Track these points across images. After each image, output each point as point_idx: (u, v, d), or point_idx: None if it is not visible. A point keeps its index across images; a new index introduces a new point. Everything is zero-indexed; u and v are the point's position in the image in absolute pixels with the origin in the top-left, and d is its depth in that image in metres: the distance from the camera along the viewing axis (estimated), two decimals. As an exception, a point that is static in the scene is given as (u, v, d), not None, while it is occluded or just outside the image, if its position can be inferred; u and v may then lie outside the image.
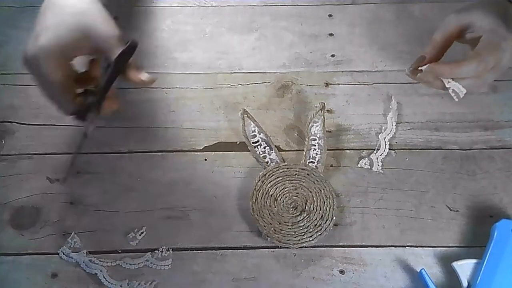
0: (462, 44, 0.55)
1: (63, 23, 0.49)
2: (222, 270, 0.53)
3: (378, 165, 0.59)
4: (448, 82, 0.52)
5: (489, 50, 0.51)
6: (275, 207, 0.55)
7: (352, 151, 0.60)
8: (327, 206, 0.55)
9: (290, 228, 0.54)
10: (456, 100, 0.53)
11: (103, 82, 0.51)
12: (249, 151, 0.59)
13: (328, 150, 0.59)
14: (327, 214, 0.55)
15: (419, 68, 0.53)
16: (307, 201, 0.55)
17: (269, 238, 0.54)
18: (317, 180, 0.56)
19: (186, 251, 0.54)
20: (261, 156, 0.59)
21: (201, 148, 0.60)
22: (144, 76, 0.52)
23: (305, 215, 0.55)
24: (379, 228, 0.55)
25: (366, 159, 0.59)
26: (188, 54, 0.67)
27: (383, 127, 0.61)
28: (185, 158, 0.59)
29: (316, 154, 0.59)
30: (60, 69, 0.49)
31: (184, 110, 0.62)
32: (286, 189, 0.56)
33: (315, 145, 0.59)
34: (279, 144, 0.60)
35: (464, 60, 0.51)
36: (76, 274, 0.52)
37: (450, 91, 0.53)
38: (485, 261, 0.51)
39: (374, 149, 0.60)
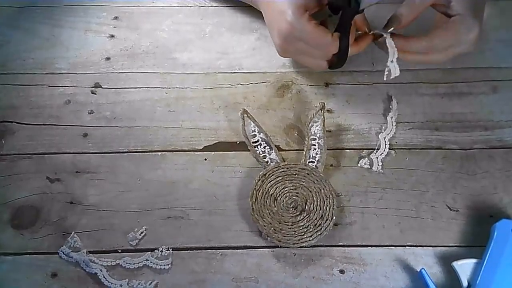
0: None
1: None
2: (222, 269, 0.53)
3: (378, 165, 0.59)
4: (390, 61, 0.56)
5: (446, 36, 0.55)
6: (275, 206, 0.55)
7: (352, 151, 0.60)
8: (327, 205, 0.55)
9: (290, 228, 0.54)
10: (385, 79, 0.57)
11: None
12: (249, 151, 0.59)
13: (328, 150, 0.59)
14: (327, 213, 0.55)
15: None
16: (307, 200, 0.55)
17: (269, 238, 0.54)
18: (317, 180, 0.56)
19: (186, 251, 0.54)
20: (261, 156, 0.59)
21: (201, 148, 0.60)
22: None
23: (305, 215, 0.55)
24: (379, 227, 0.55)
25: (366, 159, 0.59)
26: (188, 54, 0.67)
27: (383, 127, 0.61)
28: (185, 158, 0.59)
29: (316, 154, 0.59)
30: (310, 20, 0.55)
31: (184, 110, 0.62)
32: (286, 189, 0.56)
33: (315, 145, 0.59)
34: (279, 144, 0.60)
35: (415, 37, 0.56)
36: (76, 274, 0.52)
37: (386, 69, 0.56)
38: (485, 261, 0.51)
39: (374, 149, 0.60)
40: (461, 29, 0.55)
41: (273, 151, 0.59)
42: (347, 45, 0.56)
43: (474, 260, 0.51)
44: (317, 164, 0.58)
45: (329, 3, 0.58)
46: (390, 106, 0.62)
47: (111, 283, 0.51)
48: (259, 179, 0.56)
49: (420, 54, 0.57)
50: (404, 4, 0.56)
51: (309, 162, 0.58)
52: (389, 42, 0.56)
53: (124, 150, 0.60)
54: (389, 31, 0.56)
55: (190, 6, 0.71)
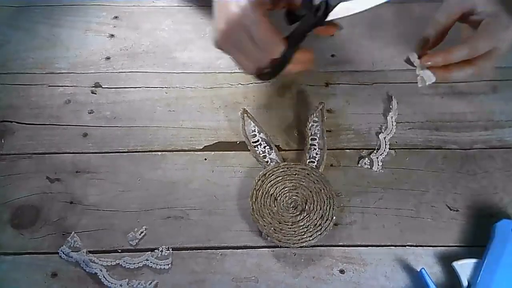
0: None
1: None
2: (222, 269, 0.53)
3: (378, 165, 0.59)
4: (420, 70, 0.53)
5: (484, 37, 0.52)
6: (275, 206, 0.55)
7: (352, 151, 0.60)
8: (327, 205, 0.55)
9: (290, 228, 0.54)
10: (420, 85, 0.54)
11: (298, 30, 0.50)
12: (249, 150, 0.59)
13: (328, 150, 0.59)
14: (327, 213, 0.55)
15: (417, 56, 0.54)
16: (307, 200, 0.55)
17: (269, 238, 0.54)
18: (317, 180, 0.56)
19: (186, 251, 0.54)
20: (261, 155, 0.59)
21: (201, 147, 0.60)
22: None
23: (305, 215, 0.55)
24: (379, 227, 0.55)
25: (366, 158, 0.59)
26: (188, 54, 0.67)
27: (383, 127, 0.61)
28: (185, 157, 0.59)
29: (316, 153, 0.59)
30: (265, 16, 0.49)
31: (184, 109, 0.62)
32: (286, 189, 0.56)
33: (315, 145, 0.59)
34: (279, 143, 0.60)
35: (455, 45, 0.52)
36: (76, 274, 0.52)
37: (418, 78, 0.54)
38: (485, 260, 0.51)
39: (374, 149, 0.60)
40: (497, 27, 0.52)
41: (273, 151, 0.59)
42: (291, 57, 0.50)
43: (474, 260, 0.51)
44: (317, 164, 0.58)
45: (288, 10, 0.52)
46: (390, 106, 0.62)
47: (111, 283, 0.51)
48: (259, 179, 0.56)
49: (467, 67, 0.53)
50: (431, 24, 0.55)
51: (309, 162, 0.58)
52: (413, 56, 0.55)
53: (124, 150, 0.60)
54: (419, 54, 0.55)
55: (190, 6, 0.71)
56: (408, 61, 0.55)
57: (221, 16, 0.51)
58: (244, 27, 0.49)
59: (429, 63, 0.53)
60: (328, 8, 0.49)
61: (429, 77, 0.53)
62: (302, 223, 0.54)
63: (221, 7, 0.51)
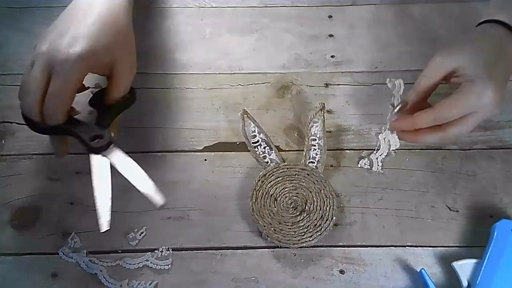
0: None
1: (104, 40, 0.50)
2: (222, 270, 0.53)
3: (378, 165, 0.59)
4: (389, 132, 0.57)
5: (452, 104, 0.50)
6: (275, 207, 0.55)
7: (352, 151, 0.60)
8: (327, 206, 0.55)
9: (290, 228, 0.54)
10: (383, 151, 0.58)
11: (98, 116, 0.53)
12: (249, 151, 0.60)
13: (328, 150, 0.59)
14: (327, 214, 0.55)
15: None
16: (307, 201, 0.55)
17: (269, 238, 0.54)
18: (317, 180, 0.57)
19: (186, 251, 0.54)
20: (261, 156, 0.59)
21: (201, 148, 0.60)
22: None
23: (305, 215, 0.55)
24: (379, 228, 0.55)
25: (366, 159, 0.59)
26: (188, 55, 0.67)
27: (383, 127, 0.61)
28: (185, 158, 0.59)
29: (316, 154, 0.59)
30: (79, 80, 0.49)
31: (184, 110, 0.62)
32: (286, 189, 0.56)
33: (315, 145, 0.59)
34: (279, 144, 0.60)
35: (423, 111, 0.51)
36: (76, 274, 0.52)
37: (384, 139, 0.58)
38: (485, 261, 0.51)
39: (374, 149, 0.60)
40: (471, 94, 0.49)
41: (273, 151, 0.59)
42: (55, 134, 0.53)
43: (474, 260, 0.51)
44: (317, 164, 0.58)
45: (93, 97, 0.54)
46: (390, 106, 0.62)
47: (111, 283, 0.51)
48: (259, 180, 0.56)
49: (436, 132, 0.51)
50: (413, 87, 0.54)
51: (309, 162, 0.58)
52: (381, 136, 0.59)
53: (125, 150, 0.59)
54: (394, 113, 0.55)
55: (190, 7, 0.71)
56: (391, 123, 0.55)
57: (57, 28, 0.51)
58: (51, 63, 0.48)
59: (396, 129, 0.54)
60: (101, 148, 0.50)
61: (394, 141, 0.58)
62: (302, 224, 0.54)
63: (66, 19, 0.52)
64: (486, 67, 0.50)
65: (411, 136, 0.53)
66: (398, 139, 0.59)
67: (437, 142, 0.56)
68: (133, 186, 0.50)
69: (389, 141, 0.58)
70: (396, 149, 0.60)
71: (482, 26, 0.54)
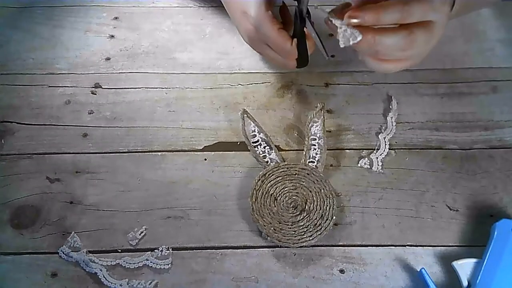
0: None
1: None
2: (222, 269, 0.53)
3: (378, 165, 0.59)
4: (342, 27, 0.44)
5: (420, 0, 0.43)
6: (275, 206, 0.55)
7: (352, 151, 0.60)
8: (327, 205, 0.55)
9: (290, 228, 0.54)
10: (342, 45, 0.45)
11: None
12: (249, 151, 0.59)
13: (328, 150, 0.59)
14: (327, 213, 0.55)
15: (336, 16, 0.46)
16: (307, 200, 0.55)
17: (269, 238, 0.54)
18: (317, 180, 0.56)
19: (186, 251, 0.54)
20: (261, 156, 0.59)
21: (201, 148, 0.60)
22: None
23: (305, 215, 0.55)
24: (379, 227, 0.55)
25: (366, 159, 0.59)
26: (188, 55, 0.67)
27: (383, 127, 0.61)
28: (185, 158, 0.59)
29: (316, 154, 0.59)
30: (273, 18, 0.55)
31: (184, 110, 0.62)
32: (286, 189, 0.56)
33: (315, 145, 0.59)
34: (279, 144, 0.60)
35: (386, 2, 0.43)
36: (75, 274, 0.52)
37: (340, 35, 0.45)
38: (485, 260, 0.51)
39: (374, 149, 0.60)
40: None
41: (273, 151, 0.59)
42: (305, 49, 0.57)
43: (474, 260, 0.51)
44: (317, 164, 0.58)
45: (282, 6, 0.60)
46: (390, 106, 0.62)
47: (111, 283, 0.51)
48: (259, 179, 0.56)
49: (402, 31, 0.45)
50: None
51: (309, 162, 0.58)
52: (331, 15, 0.47)
53: (124, 150, 0.60)
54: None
55: (190, 7, 0.71)
56: (329, 22, 0.47)
57: (240, 31, 0.60)
58: (261, 40, 0.57)
59: (356, 20, 0.43)
60: None
61: (353, 34, 0.44)
62: (302, 223, 0.54)
63: (236, 22, 0.59)
64: None
65: (370, 34, 0.44)
66: (358, 31, 0.44)
67: (400, 65, 0.47)
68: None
69: (344, 34, 0.45)
70: (396, 149, 0.60)
71: None
